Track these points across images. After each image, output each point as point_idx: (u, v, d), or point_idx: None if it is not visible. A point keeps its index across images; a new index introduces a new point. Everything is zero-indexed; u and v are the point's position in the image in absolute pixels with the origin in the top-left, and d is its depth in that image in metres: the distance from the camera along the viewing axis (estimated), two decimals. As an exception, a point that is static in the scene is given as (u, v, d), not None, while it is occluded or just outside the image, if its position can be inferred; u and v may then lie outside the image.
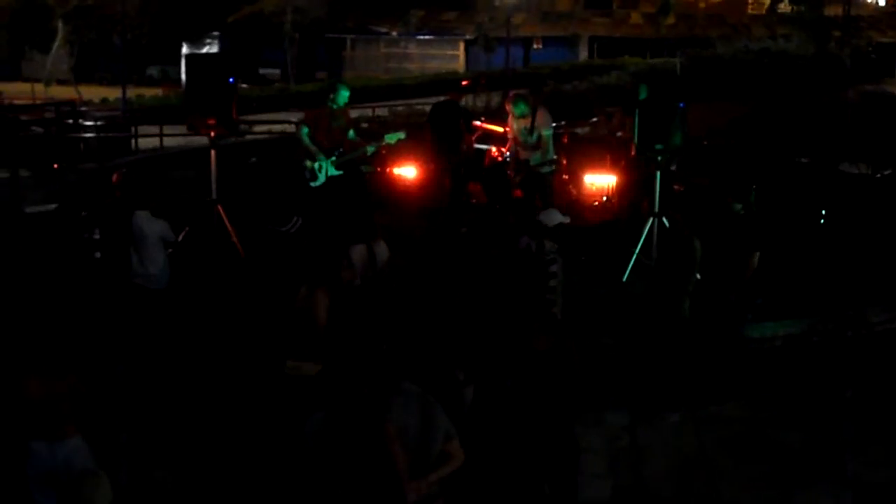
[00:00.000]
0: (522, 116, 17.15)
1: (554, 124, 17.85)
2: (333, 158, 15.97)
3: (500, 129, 18.51)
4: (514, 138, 17.39)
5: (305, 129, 16.16)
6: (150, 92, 50.01)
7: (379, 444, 7.16)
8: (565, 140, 19.14)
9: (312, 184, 16.13)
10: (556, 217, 12.29)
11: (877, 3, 79.06)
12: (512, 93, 19.50)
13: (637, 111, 15.26)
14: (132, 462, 9.16)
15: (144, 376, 11.24)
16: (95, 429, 9.41)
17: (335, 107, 16.18)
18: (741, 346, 12.25)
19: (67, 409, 8.32)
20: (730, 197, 12.92)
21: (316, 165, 16.04)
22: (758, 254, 12.23)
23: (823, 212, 17.56)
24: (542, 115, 17.18)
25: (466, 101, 17.51)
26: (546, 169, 17.29)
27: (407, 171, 18.47)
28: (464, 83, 19.93)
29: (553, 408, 8.10)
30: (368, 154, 16.61)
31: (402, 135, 16.79)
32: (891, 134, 26.24)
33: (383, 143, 16.66)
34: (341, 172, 16.08)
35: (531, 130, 17.09)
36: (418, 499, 7.39)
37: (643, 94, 15.41)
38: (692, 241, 12.08)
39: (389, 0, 67.08)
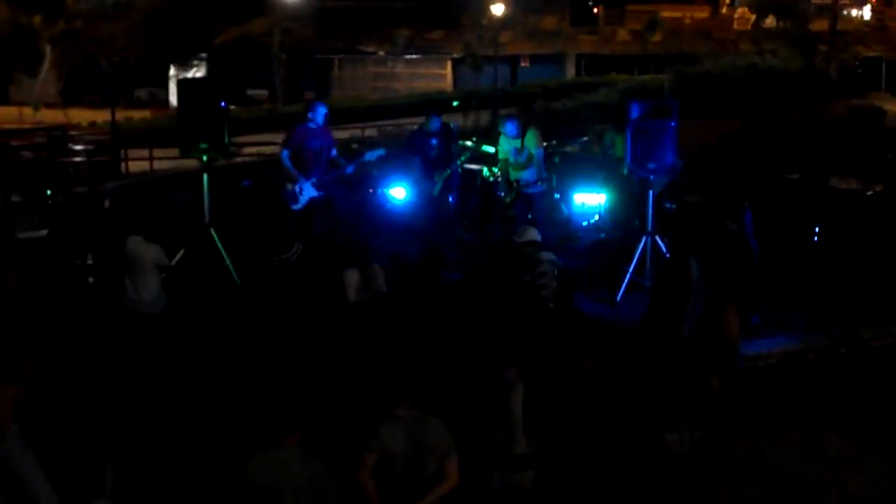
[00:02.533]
0: (513, 136, 17.21)
1: (545, 143, 17.90)
2: (314, 179, 16.00)
3: (492, 150, 18.53)
4: (505, 159, 17.42)
5: (285, 152, 16.24)
6: (138, 114, 50.04)
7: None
8: (556, 159, 19.20)
9: (293, 206, 16.17)
10: (531, 234, 12.31)
11: (862, 17, 79.27)
12: (503, 112, 19.59)
13: (628, 129, 15.27)
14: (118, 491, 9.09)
15: (136, 400, 11.20)
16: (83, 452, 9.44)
17: (313, 126, 16.25)
18: (737, 365, 12.22)
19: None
20: (724, 216, 12.91)
21: (296, 188, 16.07)
22: (753, 273, 12.23)
23: (816, 228, 17.59)
24: (531, 135, 17.24)
25: (457, 120, 17.55)
26: (536, 189, 17.33)
27: (398, 192, 18.46)
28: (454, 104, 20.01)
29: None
30: (349, 173, 16.63)
31: (381, 151, 16.87)
32: (879, 148, 26.32)
33: (363, 161, 16.70)
34: (321, 194, 16.13)
35: (521, 150, 17.14)
36: None
37: (634, 113, 15.41)
38: (688, 261, 12.07)
39: (377, 20, 67.24)
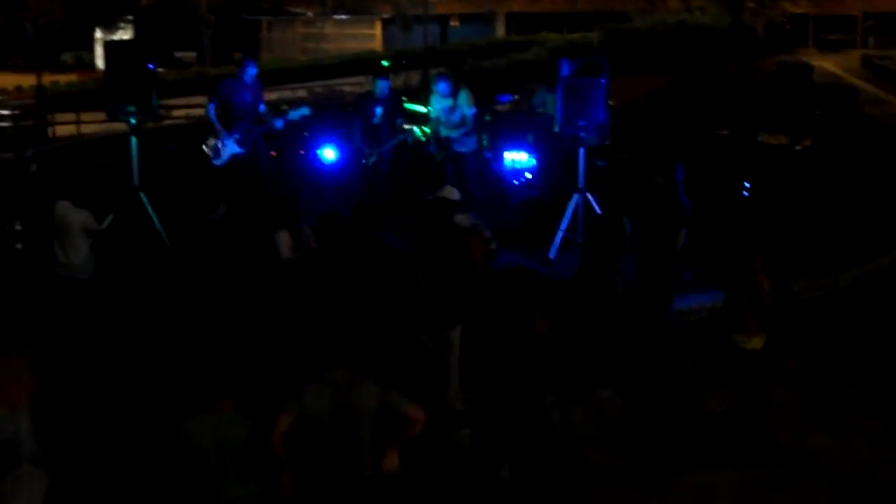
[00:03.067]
0: (444, 95, 17.15)
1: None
2: (236, 136, 15.92)
3: (423, 110, 18.48)
4: (437, 118, 17.36)
5: (211, 105, 16.18)
6: (64, 78, 49.30)
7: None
8: (486, 117, 19.19)
9: (215, 161, 16.08)
10: (447, 192, 11.98)
11: (789, -27, 79.70)
12: (434, 72, 19.48)
13: (559, 88, 15.28)
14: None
15: (65, 367, 11.12)
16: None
17: (243, 81, 16.19)
18: (669, 320, 12.32)
19: None
20: (653, 172, 12.96)
21: (218, 143, 15.98)
22: (684, 229, 12.26)
23: (746, 183, 17.73)
24: (464, 94, 17.21)
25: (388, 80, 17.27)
26: (466, 147, 17.32)
27: (327, 153, 18.33)
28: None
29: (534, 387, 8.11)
30: (276, 130, 16.52)
31: (306, 110, 16.77)
32: (807, 104, 26.56)
33: (287, 119, 16.59)
34: (243, 150, 16.05)
35: (454, 109, 17.10)
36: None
37: (565, 71, 15.40)
38: (620, 218, 12.12)
39: (305, -20, 66.74)
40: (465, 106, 17.17)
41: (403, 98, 18.98)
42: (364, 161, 16.65)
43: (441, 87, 17.20)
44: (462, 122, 17.15)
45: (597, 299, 12.00)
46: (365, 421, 7.52)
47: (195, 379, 7.73)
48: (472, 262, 10.63)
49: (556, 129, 16.07)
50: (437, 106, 17.38)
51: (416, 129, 18.38)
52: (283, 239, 12.06)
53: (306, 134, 18.73)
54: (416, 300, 10.57)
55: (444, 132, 17.26)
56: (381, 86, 16.86)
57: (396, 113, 16.90)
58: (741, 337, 10.32)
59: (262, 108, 16.47)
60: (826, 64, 47.63)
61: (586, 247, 12.86)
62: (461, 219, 11.60)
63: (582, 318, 11.84)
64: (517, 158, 18.53)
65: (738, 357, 10.35)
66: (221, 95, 16.31)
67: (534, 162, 18.40)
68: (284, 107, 19.86)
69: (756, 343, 10.30)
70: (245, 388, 7.76)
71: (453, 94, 17.14)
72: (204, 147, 16.24)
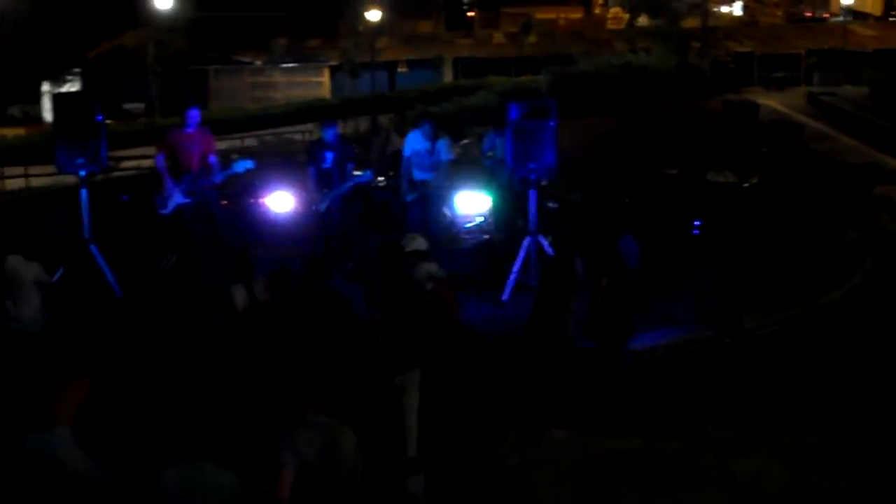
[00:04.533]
0: (426, 138, 17.29)
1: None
2: (182, 186, 15.87)
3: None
4: (409, 158, 17.40)
5: (160, 156, 16.15)
6: (12, 132, 49.20)
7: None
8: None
9: (161, 211, 16.03)
10: (418, 243, 12.10)
11: (732, 13, 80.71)
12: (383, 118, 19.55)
13: (508, 131, 15.34)
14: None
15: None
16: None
17: (189, 131, 16.13)
18: (624, 360, 12.35)
19: None
20: (610, 211, 13.03)
21: (164, 192, 15.95)
22: (605, 278, 12.26)
23: (695, 222, 17.82)
24: (444, 141, 17.37)
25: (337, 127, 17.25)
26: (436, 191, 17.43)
27: (279, 202, 18.31)
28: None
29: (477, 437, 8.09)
30: (217, 183, 16.44)
31: (250, 163, 16.72)
32: (753, 142, 26.78)
33: (232, 172, 16.53)
34: (189, 200, 15.99)
35: (431, 152, 17.20)
36: None
37: (514, 114, 15.48)
38: (572, 259, 12.16)
39: (253, 29, 66.84)
40: (444, 152, 17.25)
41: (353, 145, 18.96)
42: (314, 207, 16.60)
43: (426, 129, 17.33)
44: (437, 166, 17.23)
45: (549, 342, 12.01)
46: (345, 465, 7.49)
47: (179, 428, 7.64)
48: (442, 308, 10.69)
49: (507, 172, 16.15)
50: (415, 146, 17.43)
51: (367, 173, 18.24)
52: (238, 294, 12.01)
53: (256, 183, 18.71)
54: (372, 344, 10.56)
55: (417, 174, 17.31)
56: (327, 130, 16.88)
57: (347, 158, 16.83)
58: None
59: (212, 158, 16.33)
60: (771, 101, 48.10)
61: (539, 288, 12.89)
62: (430, 266, 11.69)
63: (535, 361, 11.85)
64: (468, 202, 18.57)
65: None
66: (168, 144, 16.26)
67: (485, 206, 18.44)
68: (234, 155, 19.82)
69: None
70: (223, 438, 7.68)
71: (433, 138, 17.28)
72: (155, 197, 16.20)
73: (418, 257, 11.92)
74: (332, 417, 7.52)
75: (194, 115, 16.28)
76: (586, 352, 12.28)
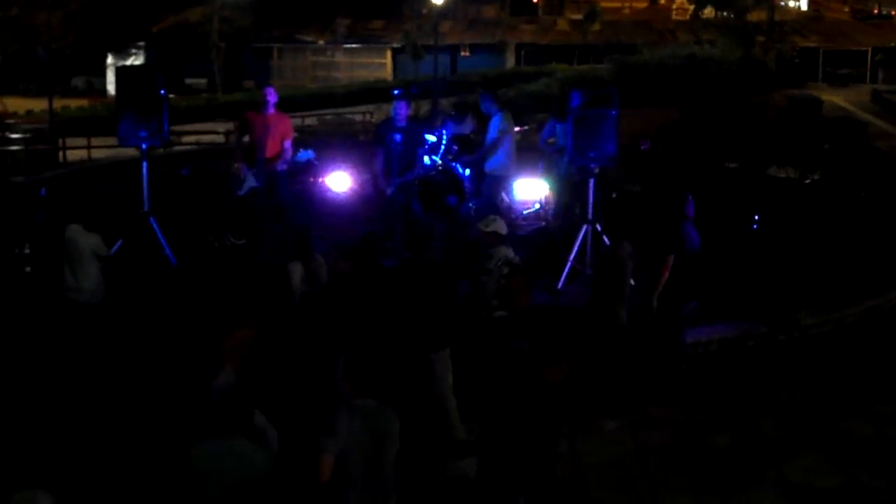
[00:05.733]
0: (460, 122, 17.36)
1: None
2: (254, 170, 15.91)
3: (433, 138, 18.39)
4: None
5: (237, 136, 16.24)
6: (75, 103, 49.56)
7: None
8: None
9: (237, 193, 16.07)
10: (497, 226, 12.07)
11: (799, 8, 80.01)
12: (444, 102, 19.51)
13: (570, 119, 15.29)
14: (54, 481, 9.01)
15: (75, 391, 11.12)
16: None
17: (267, 113, 16.14)
18: (678, 352, 12.28)
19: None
20: (659, 203, 12.93)
21: (241, 175, 15.98)
22: (672, 256, 12.11)
23: (755, 216, 17.74)
24: (497, 118, 17.14)
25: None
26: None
27: (339, 182, 18.36)
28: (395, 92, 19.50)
29: (547, 431, 8.00)
30: (279, 173, 16.42)
31: (311, 154, 16.78)
32: (816, 138, 26.58)
33: (293, 161, 16.63)
34: (261, 184, 16.03)
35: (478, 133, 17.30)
36: None
37: (575, 101, 15.40)
38: (621, 246, 12.14)
39: (316, 9, 66.96)
40: (493, 130, 17.04)
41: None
42: (382, 190, 16.39)
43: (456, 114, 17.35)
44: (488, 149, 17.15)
45: (602, 330, 11.98)
46: (392, 447, 7.50)
47: (208, 405, 7.69)
48: (513, 296, 10.69)
49: (567, 160, 16.08)
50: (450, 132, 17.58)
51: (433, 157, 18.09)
52: (295, 271, 12.04)
53: (316, 163, 18.78)
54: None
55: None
56: (400, 109, 16.34)
57: (416, 142, 16.58)
58: None
59: (287, 143, 16.33)
60: (836, 98, 47.71)
61: (594, 276, 12.86)
62: (507, 252, 11.68)
63: (589, 349, 11.81)
64: (527, 189, 18.54)
65: None
66: (246, 125, 16.32)
67: (544, 192, 18.41)
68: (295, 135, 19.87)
69: None
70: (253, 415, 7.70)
71: (465, 118, 17.33)
72: (231, 172, 16.25)
73: (497, 240, 11.87)
74: (374, 399, 7.53)
75: (272, 95, 16.28)
76: (642, 337, 12.23)
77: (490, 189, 17.08)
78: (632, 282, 12.39)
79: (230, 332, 8.59)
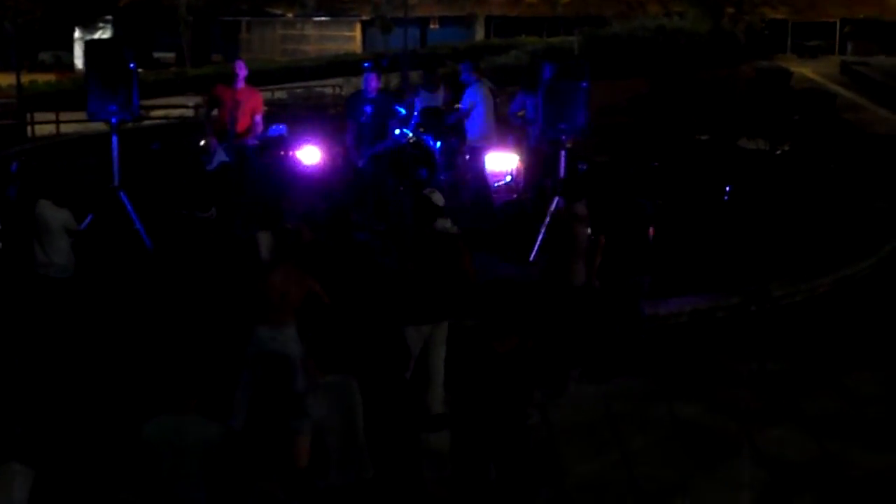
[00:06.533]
0: (429, 89, 17.49)
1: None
2: (224, 145, 15.86)
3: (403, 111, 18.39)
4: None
5: (207, 109, 16.20)
6: (43, 78, 49.19)
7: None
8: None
9: (207, 167, 16.03)
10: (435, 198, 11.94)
11: (767, -21, 79.97)
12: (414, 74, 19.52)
13: (541, 91, 15.29)
14: (25, 454, 8.99)
15: (45, 368, 11.10)
16: None
17: (237, 87, 16.09)
18: (637, 323, 12.30)
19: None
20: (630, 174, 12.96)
21: (211, 150, 15.93)
22: (603, 237, 12.11)
23: (726, 188, 17.80)
24: (471, 89, 17.43)
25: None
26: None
27: (310, 155, 18.31)
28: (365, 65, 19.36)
29: (509, 401, 7.98)
30: (251, 146, 16.42)
31: (283, 129, 16.80)
32: (786, 109, 26.68)
33: (264, 136, 16.60)
34: (231, 159, 15.98)
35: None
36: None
37: (546, 74, 15.42)
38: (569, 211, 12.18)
39: (285, -19, 66.61)
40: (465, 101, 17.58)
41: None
42: (353, 163, 16.41)
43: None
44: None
45: (560, 292, 11.98)
46: (359, 417, 7.51)
47: (165, 379, 7.66)
48: (463, 266, 10.62)
49: (538, 132, 16.10)
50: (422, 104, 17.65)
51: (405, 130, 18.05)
52: (264, 240, 12.02)
53: (286, 135, 18.72)
54: (401, 295, 10.56)
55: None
56: (368, 79, 16.37)
57: (387, 113, 16.57)
58: None
59: (258, 118, 16.32)
60: (805, 70, 47.80)
61: (546, 238, 12.88)
62: (445, 223, 11.59)
63: (547, 314, 11.80)
64: (497, 161, 18.52)
65: None
66: (216, 99, 16.28)
67: (514, 164, 18.41)
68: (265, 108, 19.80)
69: None
70: (211, 389, 7.69)
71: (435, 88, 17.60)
72: (201, 146, 16.24)
73: (435, 213, 11.83)
74: (340, 373, 7.54)
75: (242, 69, 16.26)
76: (609, 308, 12.23)
77: (475, 160, 17.33)
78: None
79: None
